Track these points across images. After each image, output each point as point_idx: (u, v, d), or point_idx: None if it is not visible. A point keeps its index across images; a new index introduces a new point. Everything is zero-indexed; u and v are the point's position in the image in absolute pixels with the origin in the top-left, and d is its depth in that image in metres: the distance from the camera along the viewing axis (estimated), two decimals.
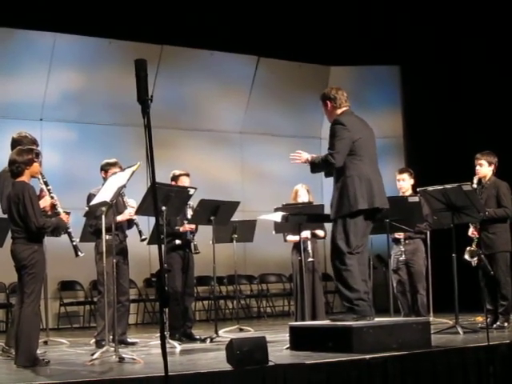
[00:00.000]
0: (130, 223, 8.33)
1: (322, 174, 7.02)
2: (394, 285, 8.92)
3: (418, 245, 9.01)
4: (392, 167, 10.76)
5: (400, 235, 8.84)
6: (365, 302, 6.66)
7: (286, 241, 9.12)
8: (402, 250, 8.87)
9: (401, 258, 8.88)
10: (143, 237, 8.23)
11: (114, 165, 8.24)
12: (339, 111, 6.87)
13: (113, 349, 6.76)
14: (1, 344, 7.48)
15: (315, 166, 6.87)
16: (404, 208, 8.25)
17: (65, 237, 7.15)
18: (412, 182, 9.10)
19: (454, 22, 13.16)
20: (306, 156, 6.90)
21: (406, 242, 8.91)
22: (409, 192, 8.99)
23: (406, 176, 9.12)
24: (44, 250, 6.63)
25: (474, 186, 8.44)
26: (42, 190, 7.09)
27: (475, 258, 8.41)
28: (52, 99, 12.52)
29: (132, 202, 8.24)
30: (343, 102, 6.87)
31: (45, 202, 6.93)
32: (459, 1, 12.88)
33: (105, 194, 7.08)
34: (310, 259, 8.85)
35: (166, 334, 7.87)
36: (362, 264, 6.79)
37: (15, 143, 7.46)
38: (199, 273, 9.85)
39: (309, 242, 8.90)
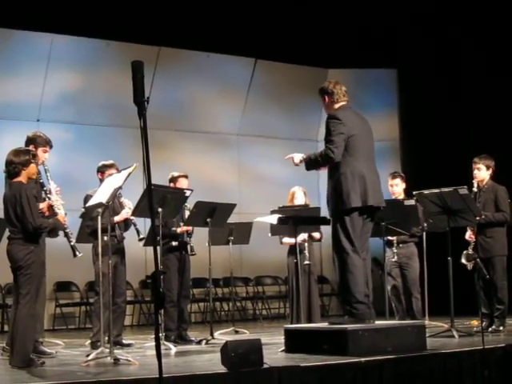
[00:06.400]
0: (127, 224, 8.33)
1: (318, 176, 6.93)
2: (389, 288, 8.93)
3: (412, 248, 9.04)
4: (388, 170, 10.73)
5: (393, 238, 8.86)
6: (364, 305, 6.55)
7: (281, 243, 9.12)
8: (395, 251, 8.91)
9: (392, 260, 8.91)
10: (141, 236, 8.22)
11: (110, 166, 8.25)
12: (337, 106, 6.78)
13: (108, 350, 6.75)
14: (1, 344, 7.49)
15: (311, 163, 6.72)
16: (400, 211, 8.27)
17: (60, 237, 7.15)
18: (404, 186, 9.17)
19: (452, 24, 13.17)
20: (298, 159, 6.78)
21: (400, 245, 8.94)
22: (401, 196, 9.02)
23: (398, 181, 9.17)
24: (40, 251, 6.63)
25: (475, 189, 8.46)
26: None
27: (472, 262, 8.42)
28: (49, 100, 12.52)
29: (129, 203, 8.24)
30: (341, 97, 6.77)
31: (43, 204, 6.94)
32: (456, 3, 12.89)
33: (101, 196, 7.07)
34: (307, 262, 8.84)
35: (161, 335, 7.87)
36: (364, 266, 6.67)
37: (29, 142, 7.51)
38: (195, 274, 9.83)
39: (305, 245, 8.90)
